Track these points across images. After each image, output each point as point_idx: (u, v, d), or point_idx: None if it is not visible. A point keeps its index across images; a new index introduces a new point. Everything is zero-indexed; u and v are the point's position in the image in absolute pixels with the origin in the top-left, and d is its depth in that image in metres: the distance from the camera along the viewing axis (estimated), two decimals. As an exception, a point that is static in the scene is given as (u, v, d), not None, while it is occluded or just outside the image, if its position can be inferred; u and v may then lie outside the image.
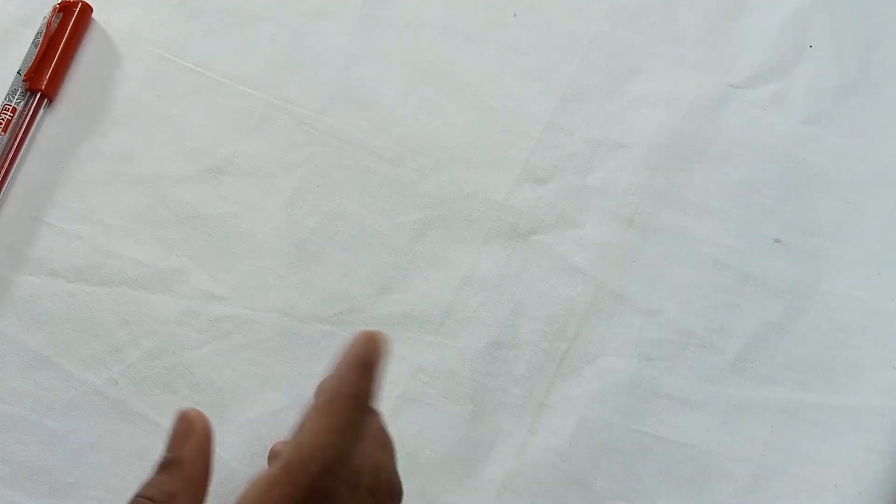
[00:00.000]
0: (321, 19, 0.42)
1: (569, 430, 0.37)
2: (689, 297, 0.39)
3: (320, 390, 0.30)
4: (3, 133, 0.39)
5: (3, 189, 0.39)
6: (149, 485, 0.30)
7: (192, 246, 0.39)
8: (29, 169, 0.40)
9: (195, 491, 0.30)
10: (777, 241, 0.40)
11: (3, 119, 0.39)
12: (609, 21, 0.43)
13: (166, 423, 0.36)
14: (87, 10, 0.41)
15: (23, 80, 0.40)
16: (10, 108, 0.40)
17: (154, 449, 0.36)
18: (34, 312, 0.38)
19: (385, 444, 0.32)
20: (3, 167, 0.39)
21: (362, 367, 0.30)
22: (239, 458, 0.37)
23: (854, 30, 0.42)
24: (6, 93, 0.40)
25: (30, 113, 0.40)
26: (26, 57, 0.41)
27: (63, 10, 0.41)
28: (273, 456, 0.36)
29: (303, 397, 0.35)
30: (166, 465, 0.30)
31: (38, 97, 0.40)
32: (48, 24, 0.41)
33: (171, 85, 0.41)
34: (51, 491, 0.36)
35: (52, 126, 0.41)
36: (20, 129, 0.39)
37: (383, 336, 0.31)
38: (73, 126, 0.41)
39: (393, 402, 0.38)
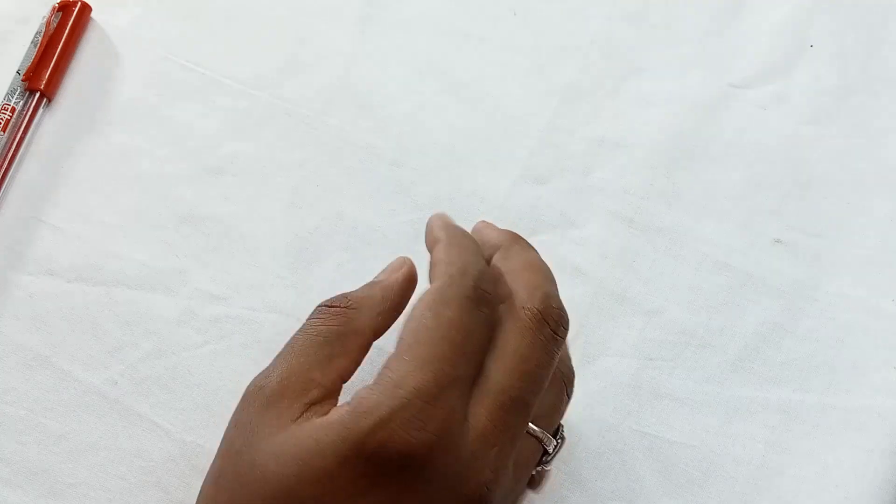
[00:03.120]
0: (321, 19, 0.42)
1: (569, 431, 0.37)
2: (690, 298, 0.39)
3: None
4: (2, 132, 0.39)
5: (2, 189, 0.39)
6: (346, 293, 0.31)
7: (192, 246, 0.39)
8: (28, 169, 0.40)
9: (381, 308, 0.31)
10: (778, 241, 0.40)
11: (2, 118, 0.39)
12: (609, 21, 0.43)
13: (166, 423, 0.37)
14: (87, 9, 0.41)
15: (22, 80, 0.40)
16: (10, 107, 0.40)
17: (153, 449, 0.36)
18: (33, 312, 0.38)
19: (540, 270, 0.31)
20: (2, 167, 0.39)
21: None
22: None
23: (854, 30, 0.42)
24: (5, 92, 0.40)
25: (29, 112, 0.40)
26: (25, 56, 0.41)
27: (62, 10, 0.41)
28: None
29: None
30: (369, 284, 0.32)
31: (37, 97, 0.40)
32: (47, 24, 0.41)
33: (171, 85, 0.41)
34: (50, 491, 0.36)
35: (51, 126, 0.40)
36: (19, 128, 0.39)
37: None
38: (73, 126, 0.41)
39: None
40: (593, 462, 0.37)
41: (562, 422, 0.34)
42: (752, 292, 0.39)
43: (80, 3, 0.41)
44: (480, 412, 0.27)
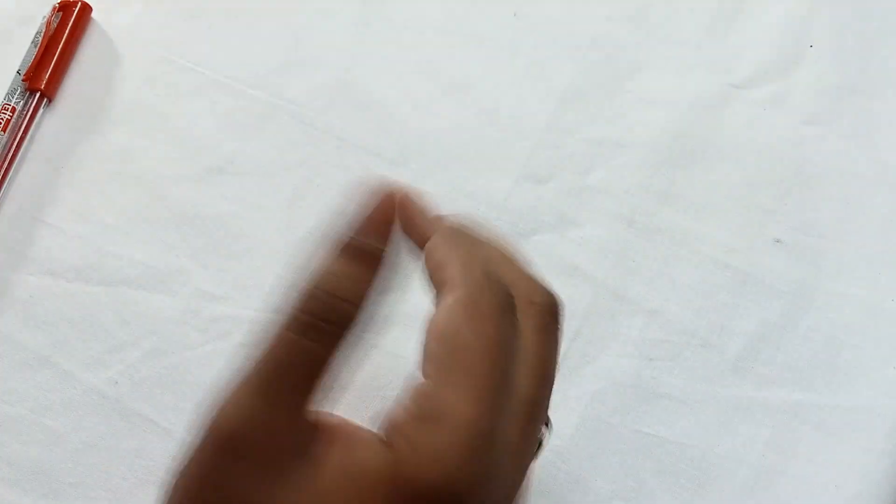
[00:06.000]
0: (321, 19, 0.42)
1: (569, 430, 0.37)
2: (690, 297, 0.39)
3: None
4: (2, 132, 0.39)
5: (3, 189, 0.39)
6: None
7: (192, 246, 0.39)
8: (28, 169, 0.40)
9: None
10: (777, 240, 0.40)
11: (2, 118, 0.39)
12: (609, 21, 0.43)
13: (166, 422, 0.37)
14: (87, 9, 0.41)
15: (22, 80, 0.40)
16: (10, 107, 0.40)
17: (154, 449, 0.36)
18: (34, 312, 0.38)
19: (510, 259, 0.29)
20: (2, 167, 0.39)
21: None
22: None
23: (854, 30, 0.42)
24: (6, 92, 0.40)
25: (29, 112, 0.40)
26: (26, 56, 0.41)
27: (62, 10, 0.41)
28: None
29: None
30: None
31: (37, 97, 0.40)
32: (48, 24, 0.41)
33: (171, 85, 0.41)
34: (51, 491, 0.36)
35: (51, 126, 0.40)
36: (20, 128, 0.39)
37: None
38: (73, 126, 0.41)
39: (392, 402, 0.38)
40: (593, 462, 0.37)
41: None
42: (752, 292, 0.39)
43: (80, 3, 0.41)
44: (513, 429, 0.25)
